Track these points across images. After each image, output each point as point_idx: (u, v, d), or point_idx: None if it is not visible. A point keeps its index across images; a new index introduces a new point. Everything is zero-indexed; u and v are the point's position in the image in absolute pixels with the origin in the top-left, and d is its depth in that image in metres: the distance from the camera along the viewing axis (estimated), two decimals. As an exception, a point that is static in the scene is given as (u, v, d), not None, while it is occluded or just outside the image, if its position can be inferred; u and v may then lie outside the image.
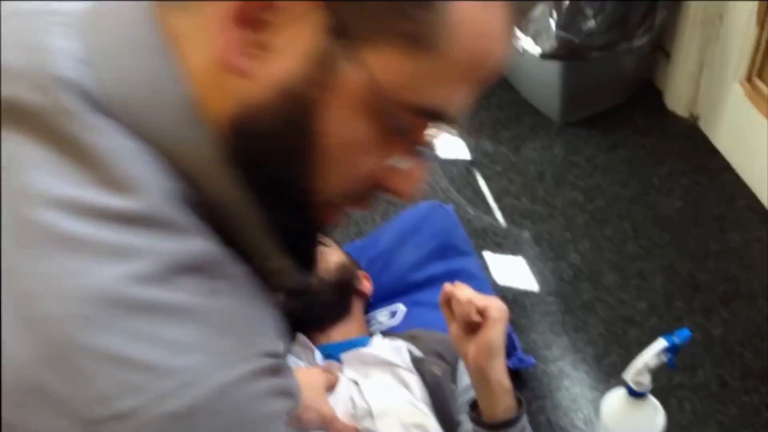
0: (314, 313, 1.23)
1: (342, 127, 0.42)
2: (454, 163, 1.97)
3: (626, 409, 1.13)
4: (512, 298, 1.57)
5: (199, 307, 0.40)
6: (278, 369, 0.45)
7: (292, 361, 1.17)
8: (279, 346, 0.47)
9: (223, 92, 0.42)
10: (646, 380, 1.07)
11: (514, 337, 1.39)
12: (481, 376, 0.89)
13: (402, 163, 0.47)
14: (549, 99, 2.00)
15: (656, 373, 0.96)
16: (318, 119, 0.42)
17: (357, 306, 1.33)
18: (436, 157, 1.99)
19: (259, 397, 0.42)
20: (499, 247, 1.71)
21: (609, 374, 1.42)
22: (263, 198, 0.45)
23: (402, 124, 0.43)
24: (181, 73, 0.42)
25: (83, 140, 0.39)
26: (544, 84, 1.97)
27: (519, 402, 0.92)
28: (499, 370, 0.88)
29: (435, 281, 1.50)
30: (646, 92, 2.10)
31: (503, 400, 0.89)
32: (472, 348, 0.89)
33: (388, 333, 1.27)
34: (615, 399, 1.17)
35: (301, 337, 1.22)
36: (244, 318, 0.44)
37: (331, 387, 1.10)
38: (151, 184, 0.40)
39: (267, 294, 0.50)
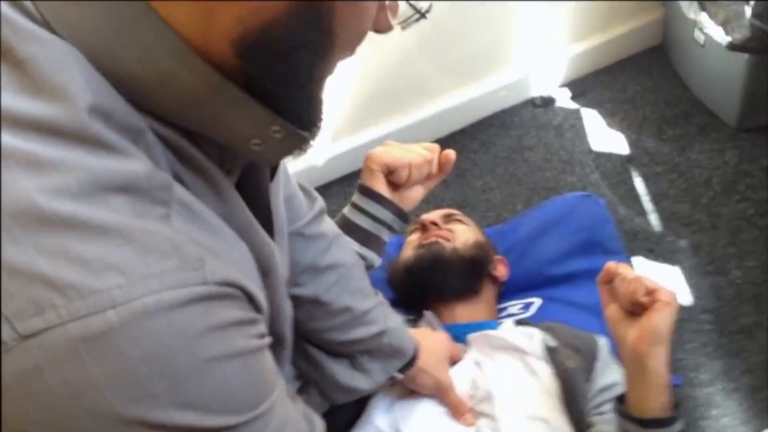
0: (443, 283, 1.15)
1: (354, 15, 0.45)
2: (609, 157, 1.82)
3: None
4: (660, 309, 1.42)
5: (127, 227, 0.38)
6: (233, 299, 0.43)
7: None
8: (240, 277, 0.44)
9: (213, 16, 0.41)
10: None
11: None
12: (638, 364, 0.80)
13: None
14: (727, 98, 1.80)
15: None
16: (334, 18, 0.43)
17: (489, 289, 1.25)
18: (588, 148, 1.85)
19: (193, 325, 0.39)
20: (651, 253, 1.55)
21: (766, 410, 1.25)
22: (266, 90, 0.45)
23: None
24: None
25: (18, 48, 0.38)
26: (724, 81, 1.77)
27: (675, 406, 0.81)
28: (660, 360, 0.79)
29: (575, 278, 1.39)
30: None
31: (659, 395, 0.79)
32: (632, 331, 0.80)
33: (521, 322, 1.17)
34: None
35: (427, 314, 1.15)
36: (189, 243, 0.41)
37: (454, 360, 1.03)
38: (85, 97, 0.38)
39: (240, 219, 0.51)
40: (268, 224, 0.59)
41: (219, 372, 0.41)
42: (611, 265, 0.85)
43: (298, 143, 0.50)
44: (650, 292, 0.79)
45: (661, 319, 0.78)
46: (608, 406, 0.98)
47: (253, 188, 0.58)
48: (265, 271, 0.55)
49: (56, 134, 0.37)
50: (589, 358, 1.05)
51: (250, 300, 0.46)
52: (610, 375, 1.04)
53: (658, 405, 0.79)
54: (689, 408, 1.27)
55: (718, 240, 1.56)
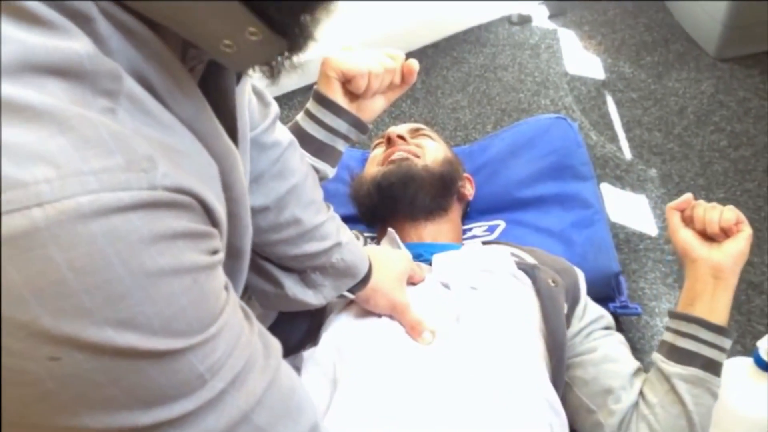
0: (413, 199, 1.10)
1: None
2: (584, 80, 1.76)
3: (750, 382, 0.98)
4: (625, 238, 1.40)
5: (62, 114, 0.32)
6: (186, 209, 0.38)
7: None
8: (197, 185, 0.38)
9: None
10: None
11: (622, 279, 1.23)
12: (723, 281, 0.91)
13: None
14: (708, 26, 1.74)
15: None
16: None
17: (455, 210, 1.20)
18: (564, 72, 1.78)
19: (135, 233, 0.34)
20: (619, 181, 1.52)
21: (722, 341, 1.25)
22: None
23: None
24: None
25: None
26: (707, 7, 1.71)
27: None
28: (737, 279, 0.92)
29: (543, 202, 1.35)
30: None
31: (728, 310, 0.91)
32: (718, 253, 0.92)
33: (492, 243, 1.13)
34: (736, 368, 1.02)
35: (391, 232, 1.10)
36: (139, 140, 0.36)
37: (415, 280, 0.99)
38: None
39: (202, 124, 0.45)
40: (232, 131, 0.53)
41: (164, 288, 0.36)
42: (689, 196, 0.96)
43: (274, 51, 0.43)
44: (738, 222, 0.92)
45: (747, 246, 0.92)
46: (599, 333, 1.02)
47: (216, 90, 0.52)
48: (229, 183, 0.50)
49: None
50: (569, 284, 1.03)
51: (207, 212, 0.40)
52: (594, 308, 1.06)
53: (724, 318, 0.91)
54: (648, 336, 1.26)
55: (687, 170, 1.53)
